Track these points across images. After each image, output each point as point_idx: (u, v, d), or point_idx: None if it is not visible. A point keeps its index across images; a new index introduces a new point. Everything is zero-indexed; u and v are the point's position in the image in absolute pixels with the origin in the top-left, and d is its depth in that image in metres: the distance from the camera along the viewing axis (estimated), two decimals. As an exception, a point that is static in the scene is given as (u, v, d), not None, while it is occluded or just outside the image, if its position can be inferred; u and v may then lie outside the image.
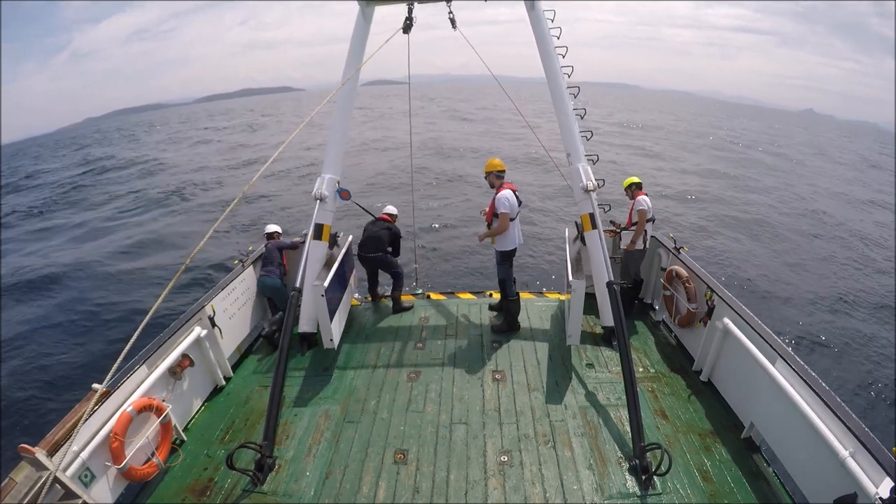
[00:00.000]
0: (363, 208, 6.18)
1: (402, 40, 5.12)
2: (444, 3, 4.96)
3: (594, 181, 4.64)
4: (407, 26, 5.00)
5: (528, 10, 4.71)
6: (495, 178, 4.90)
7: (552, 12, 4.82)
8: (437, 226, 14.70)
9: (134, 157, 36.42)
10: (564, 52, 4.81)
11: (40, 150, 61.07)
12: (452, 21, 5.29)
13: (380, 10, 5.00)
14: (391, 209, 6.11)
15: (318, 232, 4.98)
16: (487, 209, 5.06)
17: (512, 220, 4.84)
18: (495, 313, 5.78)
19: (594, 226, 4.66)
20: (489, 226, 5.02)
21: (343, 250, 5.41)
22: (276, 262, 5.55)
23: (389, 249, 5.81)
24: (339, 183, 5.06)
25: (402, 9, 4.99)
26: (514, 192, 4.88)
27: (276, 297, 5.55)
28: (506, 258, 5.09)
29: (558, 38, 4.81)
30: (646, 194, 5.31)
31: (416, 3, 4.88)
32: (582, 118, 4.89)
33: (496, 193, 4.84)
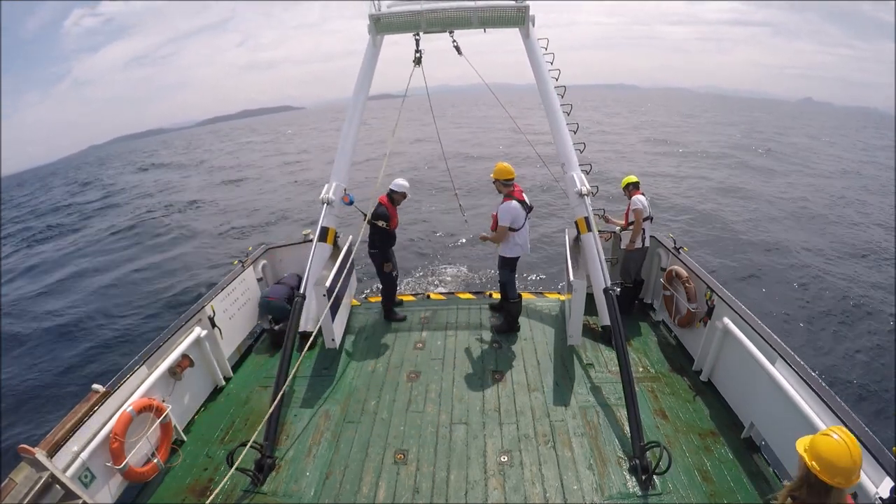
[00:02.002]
0: (364, 214, 6.16)
1: (402, 57, 5.65)
2: (448, 33, 5.30)
3: (588, 186, 4.85)
4: (418, 59, 5.54)
5: (524, 39, 5.20)
6: (502, 186, 4.82)
7: (545, 40, 5.32)
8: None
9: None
10: (557, 76, 5.30)
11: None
12: (457, 49, 5.46)
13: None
14: (395, 184, 5.32)
15: (324, 235, 5.12)
16: (493, 214, 4.98)
17: (517, 230, 4.77)
18: (495, 313, 5.77)
19: (589, 229, 4.79)
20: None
21: (344, 251, 5.42)
22: (288, 288, 5.45)
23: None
24: (345, 189, 5.27)
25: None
26: (522, 200, 4.78)
27: (279, 314, 5.33)
28: (507, 264, 5.06)
29: (552, 63, 5.28)
30: (642, 193, 5.33)
31: (421, 34, 5.28)
32: (575, 132, 5.27)
33: (502, 202, 4.78)
